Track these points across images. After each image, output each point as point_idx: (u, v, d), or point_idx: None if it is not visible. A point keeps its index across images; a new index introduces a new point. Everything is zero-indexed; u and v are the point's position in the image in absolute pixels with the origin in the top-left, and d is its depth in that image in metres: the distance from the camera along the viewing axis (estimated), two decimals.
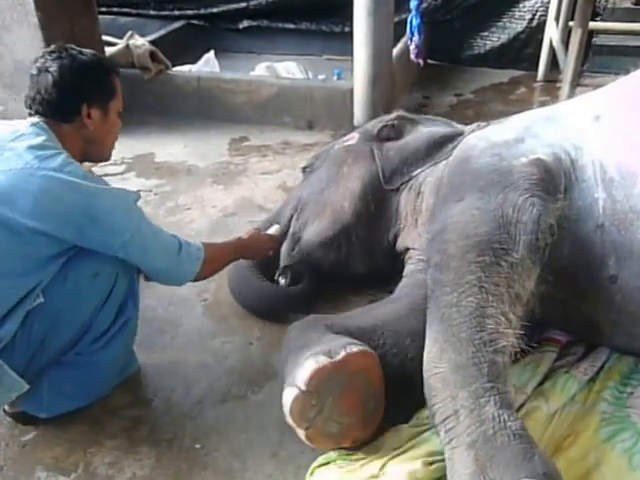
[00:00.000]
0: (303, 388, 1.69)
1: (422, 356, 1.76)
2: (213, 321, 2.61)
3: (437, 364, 1.71)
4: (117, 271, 1.96)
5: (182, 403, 2.18)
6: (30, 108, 1.92)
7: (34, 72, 1.90)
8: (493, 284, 1.77)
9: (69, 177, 1.76)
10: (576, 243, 1.99)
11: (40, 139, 1.81)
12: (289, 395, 1.71)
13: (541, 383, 2.03)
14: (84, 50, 1.99)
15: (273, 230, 2.60)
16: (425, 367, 1.74)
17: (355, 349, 1.75)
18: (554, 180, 1.98)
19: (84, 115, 1.93)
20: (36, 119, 1.89)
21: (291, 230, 2.60)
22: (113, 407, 2.16)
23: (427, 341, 1.79)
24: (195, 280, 2.11)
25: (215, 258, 2.16)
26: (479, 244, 1.84)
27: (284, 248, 2.61)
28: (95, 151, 2.04)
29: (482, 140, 2.23)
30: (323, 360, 1.71)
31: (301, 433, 1.76)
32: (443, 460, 1.64)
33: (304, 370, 1.71)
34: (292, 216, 2.64)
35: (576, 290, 2.04)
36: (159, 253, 1.97)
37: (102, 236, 1.82)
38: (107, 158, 2.13)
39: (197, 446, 2.01)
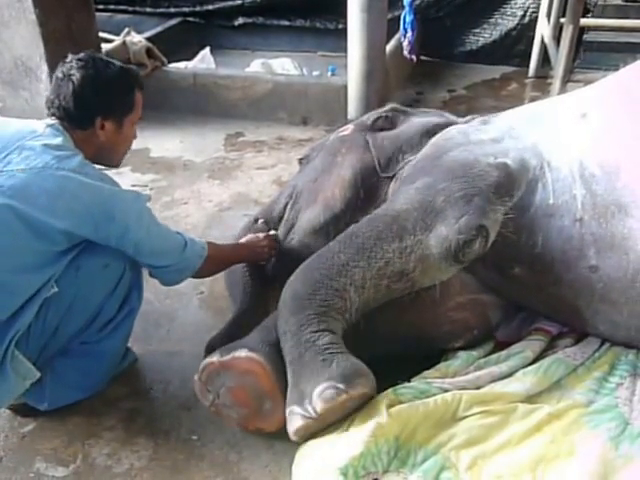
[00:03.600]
0: (198, 375, 1.96)
1: None
2: (209, 314, 2.65)
3: (287, 288, 1.99)
4: (125, 262, 2.02)
5: (178, 395, 2.21)
6: (49, 109, 1.95)
7: (59, 75, 1.93)
8: (377, 254, 1.97)
9: (87, 179, 1.82)
10: (551, 235, 2.07)
11: (57, 140, 1.85)
12: (195, 377, 1.98)
13: (527, 366, 2.05)
14: (113, 62, 2.01)
15: (273, 233, 2.61)
16: (284, 287, 2.01)
17: (242, 354, 1.89)
18: (511, 186, 2.09)
19: (97, 127, 1.96)
20: (52, 120, 1.93)
21: (285, 217, 2.63)
22: (110, 399, 2.19)
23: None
24: (195, 276, 2.17)
25: (216, 257, 2.20)
26: (391, 218, 2.02)
27: (279, 236, 2.61)
28: (105, 158, 2.08)
29: (461, 134, 2.31)
30: (214, 358, 1.93)
31: (208, 409, 2.01)
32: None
33: (203, 361, 1.96)
34: (287, 204, 2.67)
35: (554, 277, 2.10)
36: (166, 251, 2.03)
37: (117, 234, 1.88)
38: (117, 165, 2.18)
39: (194, 437, 2.04)
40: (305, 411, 1.75)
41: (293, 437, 1.81)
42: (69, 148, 1.87)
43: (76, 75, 1.90)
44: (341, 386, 1.74)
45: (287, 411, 1.82)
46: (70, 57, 1.96)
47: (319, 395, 1.73)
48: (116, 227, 1.87)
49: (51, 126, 1.90)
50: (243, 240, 2.48)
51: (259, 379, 1.88)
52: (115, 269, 2.01)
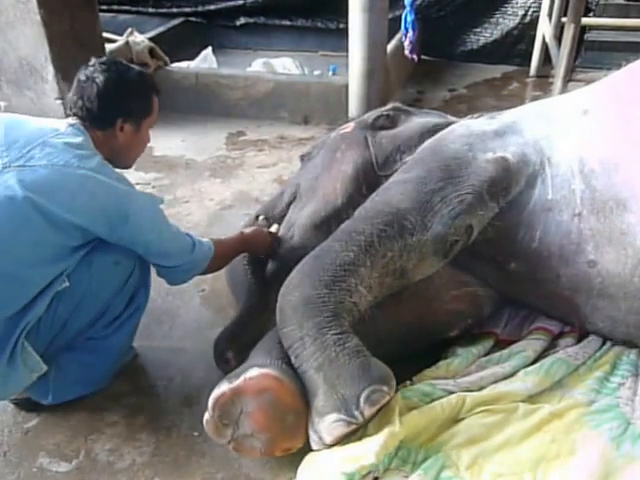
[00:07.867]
0: (210, 413, 1.79)
1: None
2: (210, 311, 2.66)
3: (292, 292, 1.90)
4: (135, 261, 2.08)
5: (180, 392, 2.22)
6: (70, 110, 2.01)
7: (82, 78, 1.98)
8: (380, 252, 1.96)
9: (105, 178, 1.88)
10: (549, 230, 2.09)
11: (78, 139, 1.91)
12: (205, 417, 1.82)
13: (528, 366, 2.06)
14: (133, 67, 2.09)
15: (274, 229, 2.62)
16: (282, 291, 1.94)
17: (255, 373, 1.77)
18: (509, 181, 2.11)
19: (117, 128, 2.02)
20: (73, 120, 1.98)
21: (288, 215, 2.63)
22: (113, 395, 2.20)
23: (294, 269, 1.98)
24: (201, 274, 2.22)
25: (223, 255, 2.27)
26: (391, 215, 2.01)
27: (280, 233, 2.60)
28: (119, 159, 2.11)
29: (463, 127, 2.33)
30: (223, 387, 1.78)
31: (226, 447, 1.84)
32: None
33: (211, 396, 1.80)
34: (290, 202, 2.68)
35: (552, 272, 2.11)
36: (174, 253, 2.09)
37: (130, 234, 1.95)
38: (128, 167, 2.21)
39: (195, 434, 2.04)
40: (351, 417, 1.69)
41: (326, 445, 1.75)
42: (89, 148, 1.93)
43: (100, 77, 1.95)
44: (385, 388, 1.73)
45: (321, 420, 1.73)
46: (93, 61, 2.02)
47: (367, 399, 1.69)
48: (130, 228, 1.92)
49: (72, 125, 1.96)
50: (249, 232, 2.47)
51: (279, 394, 1.76)
52: (125, 267, 2.06)
